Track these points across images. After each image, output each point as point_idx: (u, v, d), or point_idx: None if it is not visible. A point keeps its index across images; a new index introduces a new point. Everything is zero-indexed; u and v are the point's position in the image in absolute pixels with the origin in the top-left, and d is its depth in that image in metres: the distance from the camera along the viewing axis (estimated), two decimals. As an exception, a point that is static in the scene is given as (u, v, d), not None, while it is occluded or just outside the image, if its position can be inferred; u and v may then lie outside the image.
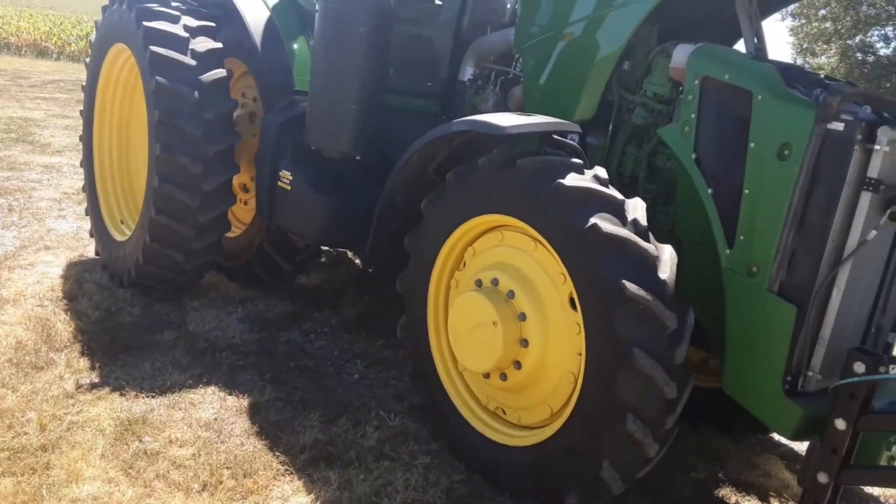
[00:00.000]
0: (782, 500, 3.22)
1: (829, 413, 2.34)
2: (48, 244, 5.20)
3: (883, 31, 20.83)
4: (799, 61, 21.08)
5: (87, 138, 4.94)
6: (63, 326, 3.94)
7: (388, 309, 4.81)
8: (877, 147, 2.38)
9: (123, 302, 4.33)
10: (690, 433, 3.58)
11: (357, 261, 5.70)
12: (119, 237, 4.65)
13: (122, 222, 4.80)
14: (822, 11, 20.80)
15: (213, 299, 4.56)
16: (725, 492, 3.24)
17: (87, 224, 5.20)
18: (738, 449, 3.59)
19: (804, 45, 21.62)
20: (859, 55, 20.91)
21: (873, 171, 2.41)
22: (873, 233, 2.44)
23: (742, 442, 3.65)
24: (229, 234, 4.50)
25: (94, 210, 4.90)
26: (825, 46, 21.07)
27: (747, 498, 3.19)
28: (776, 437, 3.75)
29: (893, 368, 2.22)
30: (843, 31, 20.53)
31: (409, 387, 3.67)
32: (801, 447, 3.65)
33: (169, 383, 3.48)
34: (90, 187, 4.93)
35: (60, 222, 5.76)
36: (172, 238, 4.08)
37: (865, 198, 2.43)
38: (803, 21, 21.60)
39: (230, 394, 3.47)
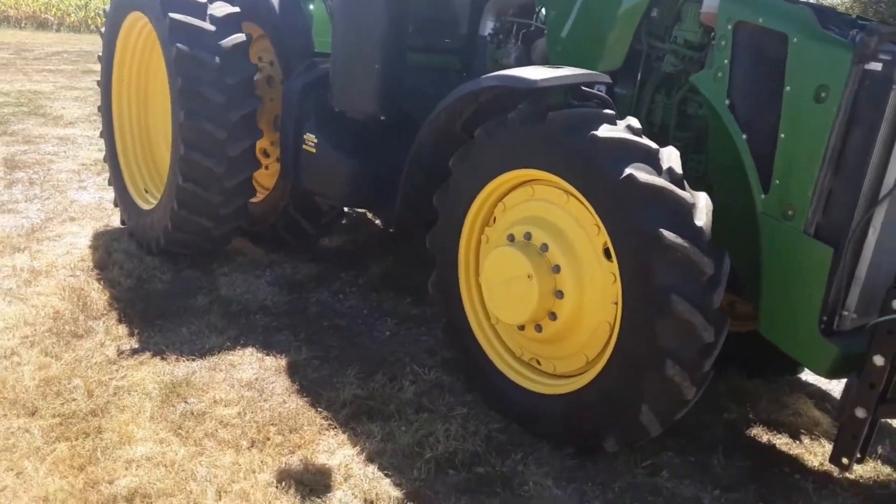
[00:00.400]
0: (813, 437, 3.29)
1: (866, 350, 2.38)
2: (73, 215, 5.25)
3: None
4: (841, 11, 20.58)
5: (105, 108, 4.94)
6: (97, 295, 4.01)
7: (413, 267, 4.86)
8: (914, 87, 2.37)
9: (154, 269, 4.39)
10: (721, 376, 3.62)
11: (378, 221, 5.73)
12: (145, 206, 4.69)
13: (146, 191, 4.84)
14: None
15: (240, 264, 4.63)
16: (757, 431, 3.31)
17: (108, 194, 5.26)
18: (767, 390, 3.65)
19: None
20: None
21: (911, 112, 2.40)
22: (910, 173, 2.45)
23: (772, 383, 3.71)
24: (253, 199, 4.53)
25: (117, 180, 4.93)
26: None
27: (778, 436, 3.26)
28: (804, 377, 3.81)
29: (931, 305, 2.25)
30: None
31: (440, 341, 3.74)
32: (829, 386, 3.73)
33: (207, 346, 3.56)
34: (112, 157, 4.96)
35: (82, 193, 5.81)
36: (200, 204, 4.12)
37: (903, 138, 2.43)
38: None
39: (267, 354, 3.55)
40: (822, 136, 2.47)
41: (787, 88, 2.56)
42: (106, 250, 4.65)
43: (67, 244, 4.71)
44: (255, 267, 4.60)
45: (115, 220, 5.11)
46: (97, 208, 5.45)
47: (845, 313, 2.60)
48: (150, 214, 4.53)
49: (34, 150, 6.92)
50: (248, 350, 3.58)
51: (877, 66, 2.37)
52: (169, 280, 4.30)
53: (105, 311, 3.84)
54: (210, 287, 4.27)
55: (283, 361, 3.50)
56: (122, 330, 3.66)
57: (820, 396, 3.68)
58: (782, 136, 2.59)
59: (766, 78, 2.64)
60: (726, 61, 2.76)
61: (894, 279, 2.68)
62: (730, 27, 2.74)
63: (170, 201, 4.18)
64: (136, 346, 3.52)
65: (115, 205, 5.01)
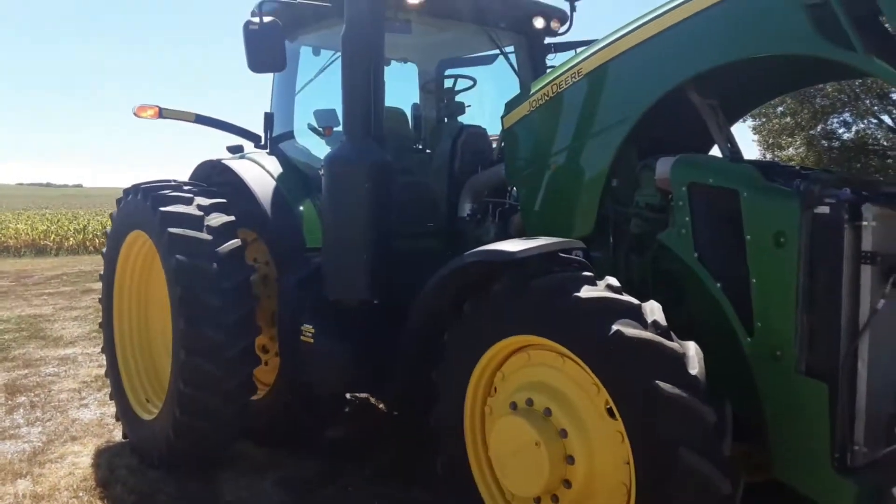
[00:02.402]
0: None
1: (883, 483, 2.34)
2: (74, 434, 5.20)
3: (842, 118, 21.96)
4: (768, 156, 22.01)
5: (107, 324, 5.09)
6: (100, 516, 3.88)
7: (419, 451, 4.76)
8: (865, 223, 2.55)
9: (157, 482, 4.30)
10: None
11: (381, 406, 5.69)
12: (146, 416, 4.68)
13: (147, 401, 4.85)
14: (780, 108, 22.00)
15: (244, 468, 4.54)
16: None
17: (110, 410, 5.25)
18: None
19: (770, 141, 22.66)
20: (824, 143, 21.91)
21: (867, 245, 2.55)
22: (882, 302, 2.56)
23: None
24: (254, 397, 4.55)
25: (118, 393, 4.96)
26: (790, 139, 22.11)
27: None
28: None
29: (935, 429, 2.25)
30: (803, 123, 21.63)
31: (456, 526, 3.59)
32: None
33: (214, 559, 3.40)
34: (113, 371, 5.02)
35: (83, 411, 5.78)
36: (201, 409, 4.13)
37: (866, 270, 2.56)
38: (763, 120, 22.79)
39: (277, 562, 3.39)
40: (791, 278, 2.61)
41: (748, 237, 2.74)
42: (108, 468, 4.57)
43: (70, 465, 4.63)
44: (258, 469, 4.51)
45: (116, 435, 5.07)
46: (99, 425, 5.41)
47: (856, 448, 2.58)
48: (152, 425, 4.51)
49: (35, 373, 6.97)
50: (257, 559, 3.42)
51: (825, 210, 2.56)
52: (173, 492, 4.20)
53: (107, 533, 3.70)
54: (215, 496, 4.17)
55: (293, 568, 3.34)
56: (126, 551, 3.52)
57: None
58: (754, 281, 2.73)
59: (727, 230, 2.83)
60: (687, 219, 2.97)
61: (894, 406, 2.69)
62: (684, 189, 2.98)
63: (171, 408, 4.19)
64: (141, 567, 3.37)
65: (117, 419, 4.99)
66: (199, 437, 4.23)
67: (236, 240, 4.30)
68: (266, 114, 5.19)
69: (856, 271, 2.57)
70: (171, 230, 4.19)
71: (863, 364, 2.57)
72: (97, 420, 5.53)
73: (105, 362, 5.15)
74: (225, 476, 4.38)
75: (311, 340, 4.08)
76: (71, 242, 23.06)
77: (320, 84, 4.93)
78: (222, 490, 4.20)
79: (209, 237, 4.21)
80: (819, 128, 21.82)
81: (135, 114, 5.35)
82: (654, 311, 2.67)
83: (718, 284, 2.86)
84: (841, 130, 22.25)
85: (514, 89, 4.73)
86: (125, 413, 4.87)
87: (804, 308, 2.60)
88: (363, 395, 5.98)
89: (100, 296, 5.17)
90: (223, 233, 4.28)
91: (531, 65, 5.12)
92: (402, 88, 5.62)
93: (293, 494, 4.15)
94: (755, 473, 3.34)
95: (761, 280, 2.71)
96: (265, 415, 4.71)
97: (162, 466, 4.43)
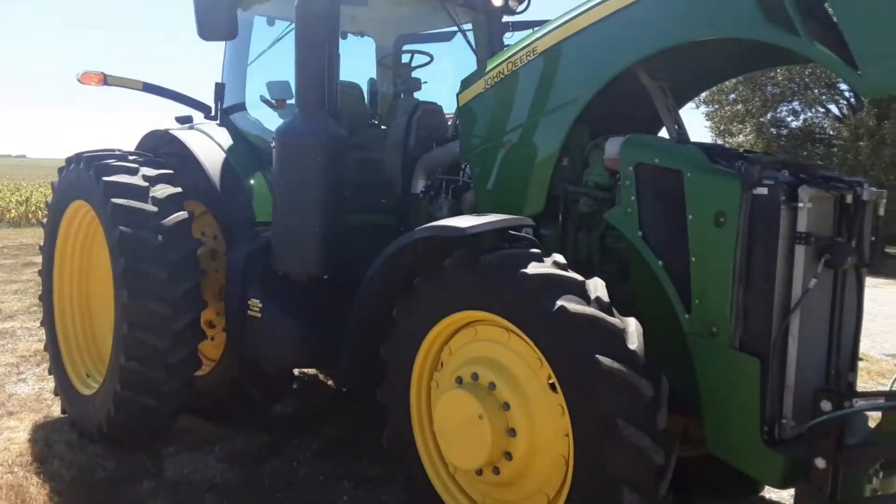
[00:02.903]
0: (785, 556, 3.24)
1: (809, 455, 2.45)
2: (11, 409, 5.06)
3: (791, 106, 22.56)
4: (719, 142, 22.50)
5: (47, 297, 4.94)
6: (37, 490, 3.80)
7: (367, 425, 4.77)
8: (800, 205, 2.64)
9: (96, 457, 4.22)
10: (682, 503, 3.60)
11: (330, 382, 5.68)
12: (86, 391, 4.58)
13: (87, 376, 4.74)
14: (732, 96, 22.47)
15: (188, 442, 4.48)
16: (728, 556, 3.24)
17: (49, 384, 5.12)
18: (735, 513, 3.62)
19: (721, 128, 23.14)
20: (773, 130, 22.48)
21: (802, 226, 2.65)
22: (814, 281, 2.66)
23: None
24: (199, 373, 4.49)
25: (57, 367, 4.83)
26: (740, 126, 22.61)
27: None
28: (767, 494, 3.79)
29: (857, 402, 2.36)
30: (753, 110, 22.14)
31: (402, 500, 3.63)
32: (789, 498, 3.71)
33: (154, 533, 3.37)
34: (52, 345, 4.88)
35: (21, 386, 5.62)
36: (144, 383, 4.05)
37: (800, 251, 2.66)
38: (716, 106, 23.25)
39: (219, 535, 3.37)
40: (728, 256, 2.68)
41: (690, 217, 2.81)
42: (45, 442, 4.46)
43: (5, 440, 4.50)
44: (203, 443, 4.46)
45: (55, 410, 4.95)
46: (37, 400, 5.27)
47: (784, 421, 2.69)
48: (92, 400, 4.42)
49: (-29, 347, 6.73)
50: (199, 533, 3.40)
51: (763, 191, 2.64)
52: (113, 467, 4.12)
53: (44, 508, 3.62)
54: (156, 470, 4.10)
55: (235, 541, 3.32)
56: (63, 525, 3.45)
57: (787, 511, 3.67)
58: (693, 259, 2.80)
59: (670, 209, 2.89)
60: (633, 198, 3.02)
61: (823, 384, 2.81)
62: (631, 169, 3.04)
63: (112, 383, 4.10)
64: (79, 541, 3.31)
65: (56, 394, 4.87)
66: (140, 412, 4.15)
67: (182, 212, 4.20)
68: (217, 84, 5.07)
69: (790, 251, 2.66)
70: (115, 200, 4.07)
71: (793, 340, 2.67)
72: (35, 395, 5.38)
73: (45, 336, 5.00)
74: (168, 451, 4.31)
75: (259, 315, 4.03)
76: (13, 215, 22.28)
77: (274, 55, 4.83)
78: (165, 465, 4.14)
79: (154, 209, 4.11)
80: (769, 115, 22.37)
81: (79, 80, 5.16)
82: (597, 287, 2.72)
83: (660, 262, 2.93)
84: (789, 119, 22.88)
85: (471, 67, 4.71)
86: (64, 388, 4.75)
87: (740, 286, 2.69)
88: (312, 370, 5.97)
89: (41, 269, 5.01)
90: (169, 204, 4.17)
91: (489, 43, 5.10)
92: (358, 63, 5.56)
93: (238, 469, 4.11)
94: (693, 448, 3.47)
95: (701, 259, 2.79)
96: (211, 391, 4.66)
97: (102, 441, 4.34)
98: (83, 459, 4.18)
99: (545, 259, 2.84)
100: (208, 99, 5.20)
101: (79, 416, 4.55)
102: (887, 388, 3.01)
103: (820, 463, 2.39)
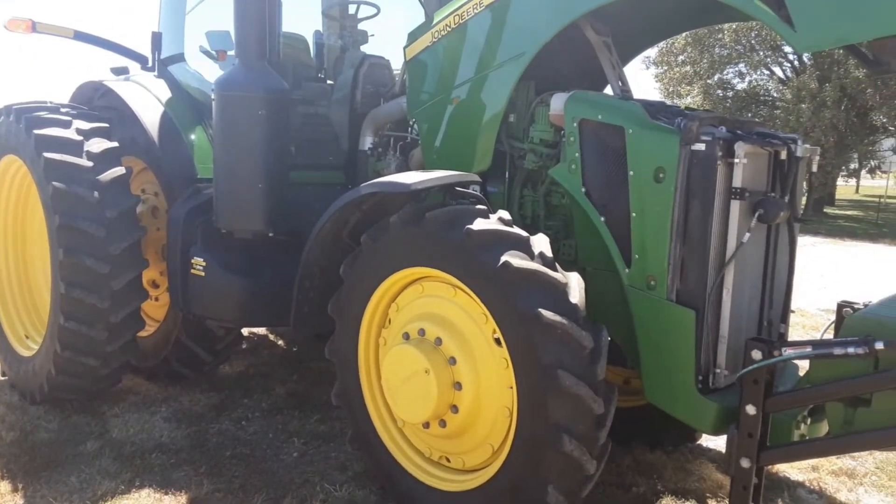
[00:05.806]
0: (719, 499, 3.40)
1: (739, 402, 2.56)
2: (-55, 373, 4.89)
3: (737, 69, 22.99)
4: (668, 103, 22.82)
5: (-21, 256, 4.75)
6: (-25, 453, 3.70)
7: (317, 383, 4.79)
8: (736, 160, 2.70)
9: (38, 419, 4.13)
10: (625, 452, 3.75)
11: (280, 342, 5.66)
12: (25, 352, 4.46)
13: (26, 337, 4.62)
14: (681, 57, 22.77)
15: (133, 402, 4.42)
16: (666, 501, 3.39)
17: (-14, 346, 4.94)
18: (671, 460, 3.78)
19: (670, 89, 23.47)
20: (720, 92, 22.91)
21: (737, 182, 2.72)
22: (747, 235, 2.74)
23: (674, 453, 3.84)
24: (143, 333, 4.41)
25: (-6, 329, 4.68)
26: (689, 88, 22.97)
27: (687, 503, 3.35)
28: (704, 443, 3.97)
29: (786, 351, 2.47)
30: (701, 72, 22.49)
31: (351, 455, 3.67)
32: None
33: (100, 493, 3.33)
34: (-12, 306, 4.72)
35: (-45, 349, 5.42)
36: (85, 343, 3.96)
37: (735, 206, 2.73)
38: (665, 68, 23.53)
39: (166, 493, 3.36)
40: (667, 211, 2.74)
41: (631, 173, 2.85)
42: (-16, 405, 4.34)
43: (-61, 404, 4.37)
44: (149, 404, 4.41)
45: (-7, 372, 4.80)
46: (-28, 362, 5.10)
47: (718, 371, 2.80)
48: (32, 361, 4.31)
49: None
50: (145, 492, 3.37)
51: (701, 147, 2.69)
52: (55, 428, 4.04)
53: (-17, 471, 3.54)
54: (100, 431, 4.04)
55: (182, 499, 3.32)
56: (6, 487, 3.39)
57: (721, 459, 3.84)
58: (633, 215, 2.85)
59: (612, 165, 2.94)
60: (577, 154, 3.05)
61: (755, 334, 2.92)
62: (575, 125, 3.05)
63: (52, 344, 4.00)
64: (21, 501, 3.26)
65: (-7, 356, 4.73)
66: (82, 373, 4.07)
67: (120, 167, 4.06)
68: (154, 33, 4.86)
69: (726, 206, 2.73)
70: (47, 155, 3.91)
71: (727, 293, 2.77)
72: (-28, 358, 5.20)
73: (-21, 297, 4.83)
74: (113, 411, 4.25)
75: (203, 273, 3.96)
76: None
77: (214, 3, 4.65)
78: (109, 425, 4.08)
79: (89, 163, 3.96)
80: (716, 77, 22.77)
81: (6, 27, 4.89)
82: (541, 243, 2.75)
83: (602, 218, 2.97)
84: (735, 81, 23.33)
85: (419, 20, 4.63)
86: (3, 350, 4.62)
87: (677, 240, 2.75)
88: (262, 330, 5.93)
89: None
90: (105, 159, 4.03)
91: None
92: (305, 15, 5.40)
93: (186, 429, 4.08)
94: (633, 398, 3.59)
95: (640, 214, 2.84)
96: (157, 351, 4.59)
97: (44, 403, 4.25)
98: (24, 421, 4.09)
99: (490, 215, 2.85)
100: (145, 49, 4.99)
101: (18, 379, 4.45)
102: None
103: (750, 409, 2.50)
